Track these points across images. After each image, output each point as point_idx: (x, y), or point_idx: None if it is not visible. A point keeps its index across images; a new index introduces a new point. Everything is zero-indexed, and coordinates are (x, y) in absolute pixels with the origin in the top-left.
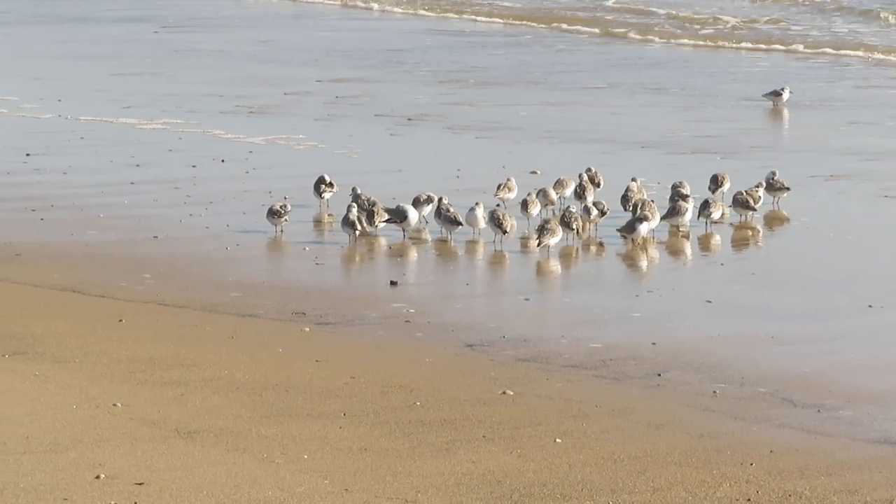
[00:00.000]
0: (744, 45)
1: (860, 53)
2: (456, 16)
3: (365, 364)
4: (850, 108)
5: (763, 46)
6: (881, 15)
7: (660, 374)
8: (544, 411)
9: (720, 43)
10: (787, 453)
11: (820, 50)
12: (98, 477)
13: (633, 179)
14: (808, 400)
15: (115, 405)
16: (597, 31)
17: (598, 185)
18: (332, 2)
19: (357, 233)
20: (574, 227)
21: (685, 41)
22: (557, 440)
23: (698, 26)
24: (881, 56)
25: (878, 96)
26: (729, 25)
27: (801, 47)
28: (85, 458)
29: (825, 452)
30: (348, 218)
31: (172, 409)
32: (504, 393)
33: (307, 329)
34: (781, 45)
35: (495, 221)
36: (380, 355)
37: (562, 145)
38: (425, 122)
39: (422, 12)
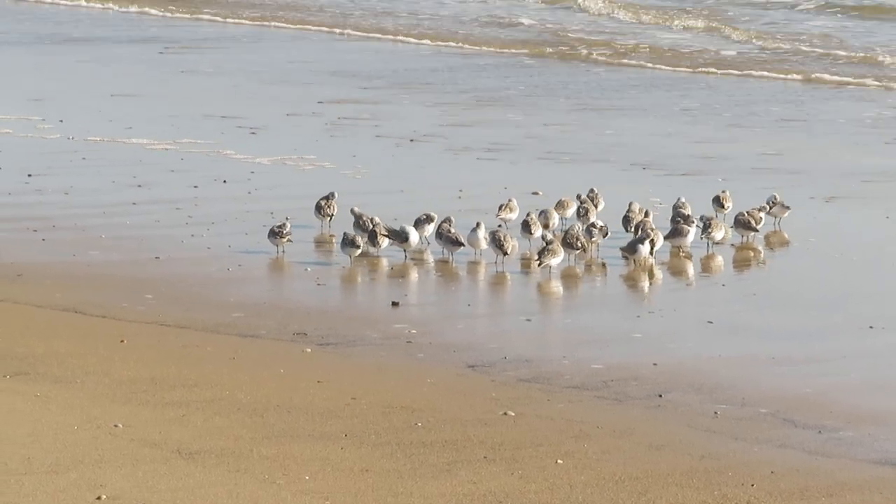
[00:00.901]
0: (730, 71)
1: (858, 81)
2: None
3: (366, 385)
4: (851, 129)
5: (754, 73)
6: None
7: (661, 395)
8: (545, 432)
9: (710, 70)
10: (788, 474)
11: (814, 76)
12: (99, 498)
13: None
14: (810, 421)
15: (116, 426)
16: (606, 51)
17: (595, 206)
18: (320, 28)
19: (358, 253)
20: (577, 246)
21: (675, 68)
22: (559, 461)
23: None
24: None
25: (877, 118)
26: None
27: (773, 74)
28: (86, 479)
29: (826, 473)
30: (348, 238)
31: (174, 430)
32: (505, 414)
33: (309, 350)
34: (767, 71)
35: (496, 242)
36: (381, 376)
37: (563, 166)
38: (427, 142)
39: (410, 39)
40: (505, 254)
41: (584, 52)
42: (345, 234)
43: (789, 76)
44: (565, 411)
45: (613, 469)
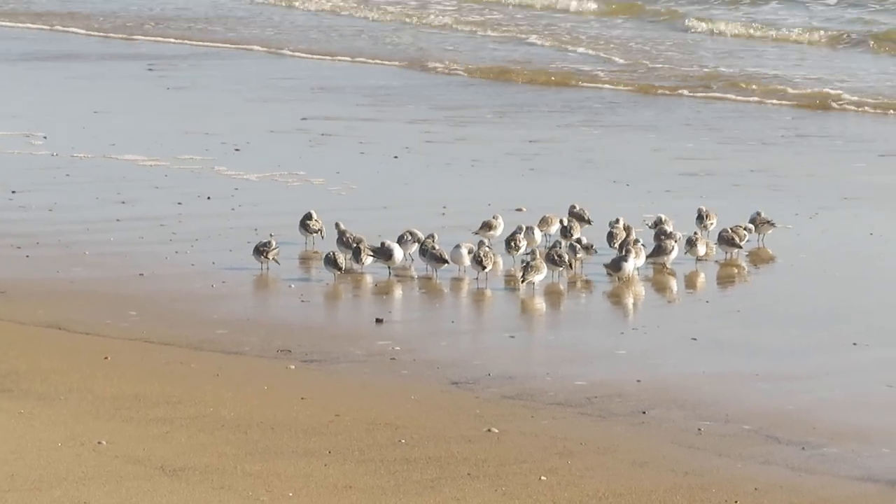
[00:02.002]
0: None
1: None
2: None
3: (350, 401)
4: (833, 145)
5: (733, 96)
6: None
7: (644, 412)
8: (529, 449)
9: (678, 91)
10: (771, 490)
11: (791, 96)
12: None
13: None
14: (793, 437)
15: (100, 443)
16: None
17: (589, 222)
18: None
19: (341, 272)
20: (561, 263)
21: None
22: (542, 478)
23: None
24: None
25: (862, 134)
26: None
27: (748, 96)
28: (70, 496)
29: (809, 490)
30: (330, 258)
31: (157, 447)
32: (489, 430)
33: (292, 366)
34: (734, 92)
35: (475, 259)
36: (365, 393)
37: (546, 182)
38: (411, 159)
39: (373, 60)
40: (483, 268)
41: (555, 72)
42: (327, 254)
43: (759, 96)
44: (549, 428)
45: (597, 486)
